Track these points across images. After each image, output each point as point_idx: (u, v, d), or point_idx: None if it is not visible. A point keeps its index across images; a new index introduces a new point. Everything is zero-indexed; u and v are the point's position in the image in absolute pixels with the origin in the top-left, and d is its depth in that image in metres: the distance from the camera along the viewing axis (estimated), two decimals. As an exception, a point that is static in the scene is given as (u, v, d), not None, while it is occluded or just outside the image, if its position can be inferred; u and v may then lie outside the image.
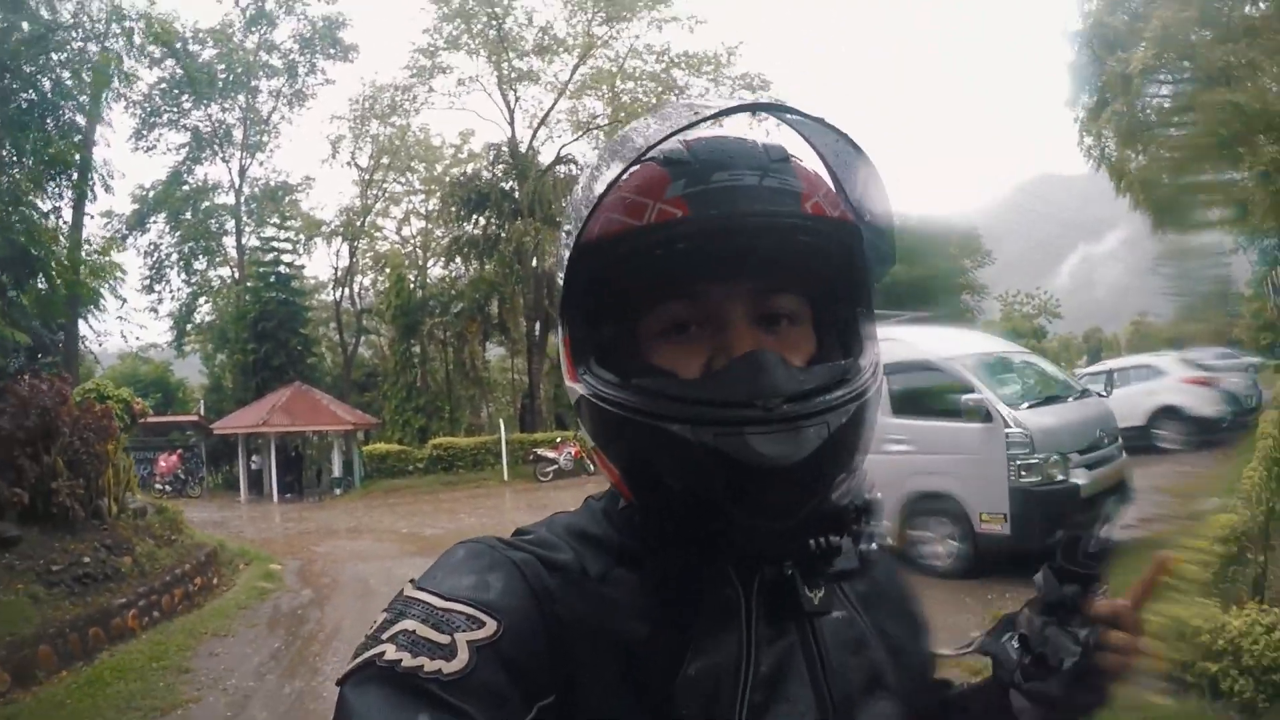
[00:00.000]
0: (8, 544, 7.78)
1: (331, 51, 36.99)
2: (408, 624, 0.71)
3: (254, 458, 27.23)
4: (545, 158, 34.24)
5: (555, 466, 23.57)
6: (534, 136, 33.69)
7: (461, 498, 21.64)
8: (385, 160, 37.78)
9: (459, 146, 37.92)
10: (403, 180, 38.99)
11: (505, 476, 25.45)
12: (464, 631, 0.70)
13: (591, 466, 22.05)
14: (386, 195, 39.52)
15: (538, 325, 31.50)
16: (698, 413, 0.73)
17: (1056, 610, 0.87)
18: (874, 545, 0.85)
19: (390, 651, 0.68)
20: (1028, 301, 51.76)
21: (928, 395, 8.45)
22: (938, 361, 8.60)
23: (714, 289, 0.79)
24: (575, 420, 0.87)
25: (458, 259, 33.73)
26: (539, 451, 24.45)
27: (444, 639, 0.69)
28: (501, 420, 29.02)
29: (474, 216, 32.51)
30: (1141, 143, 20.86)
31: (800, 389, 0.75)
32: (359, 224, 38.36)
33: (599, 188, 0.77)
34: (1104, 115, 21.97)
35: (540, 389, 32.26)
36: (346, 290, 39.86)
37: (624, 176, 0.76)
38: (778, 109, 0.80)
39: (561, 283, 0.84)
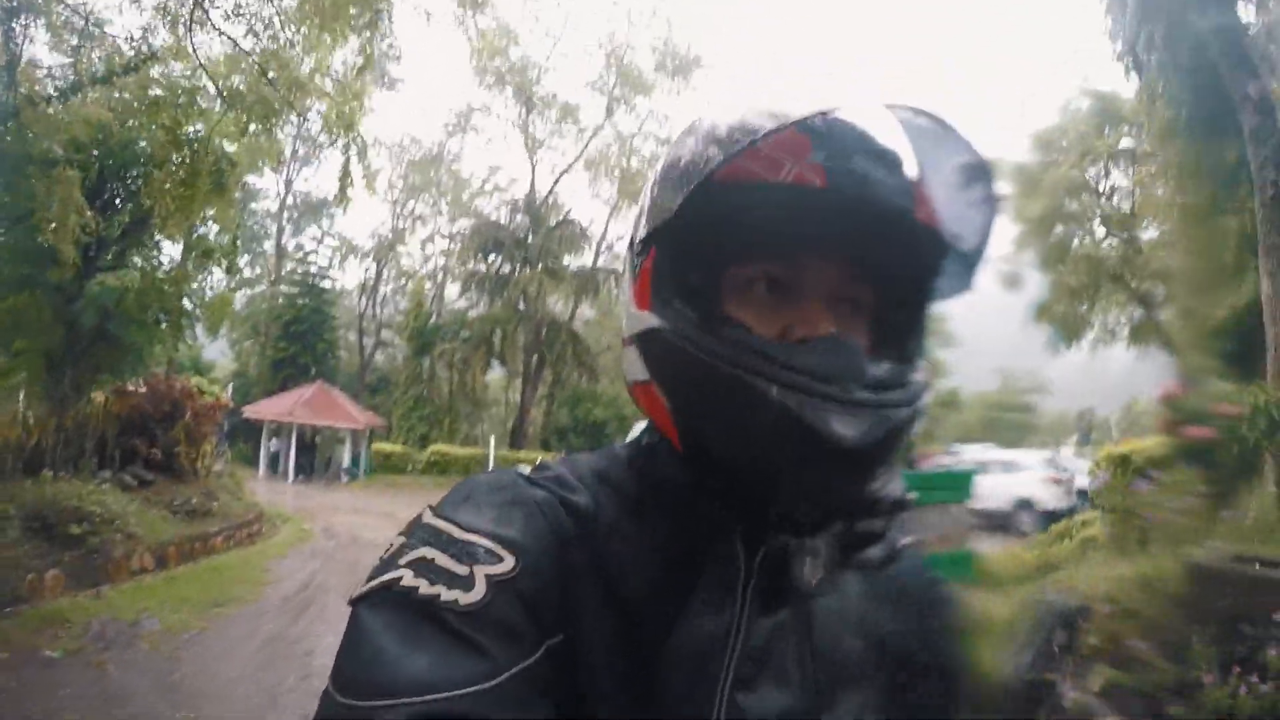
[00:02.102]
0: (146, 484, 11.98)
1: (382, 80, 40.47)
2: (426, 552, 0.71)
3: (273, 440, 31.00)
4: (562, 206, 38.73)
5: (532, 482, 27.69)
6: (550, 193, 38.16)
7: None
8: (415, 181, 41.60)
9: (485, 179, 41.71)
10: (430, 202, 42.81)
11: (489, 484, 29.63)
12: (482, 564, 0.71)
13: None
14: (414, 215, 43.33)
15: (534, 359, 35.55)
16: (786, 377, 0.72)
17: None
18: (906, 539, 0.85)
19: (408, 577, 0.69)
20: (1020, 379, 52.73)
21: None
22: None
23: (810, 261, 0.80)
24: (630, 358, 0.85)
25: (472, 290, 37.85)
26: (519, 468, 28.64)
27: (462, 570, 0.70)
28: (493, 437, 33.11)
29: (489, 257, 36.71)
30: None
31: (875, 380, 0.75)
32: (387, 250, 42.58)
33: (727, 140, 0.76)
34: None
35: (530, 413, 36.39)
36: (370, 301, 44.24)
37: (762, 137, 0.72)
38: (929, 117, 0.75)
39: (651, 208, 0.83)
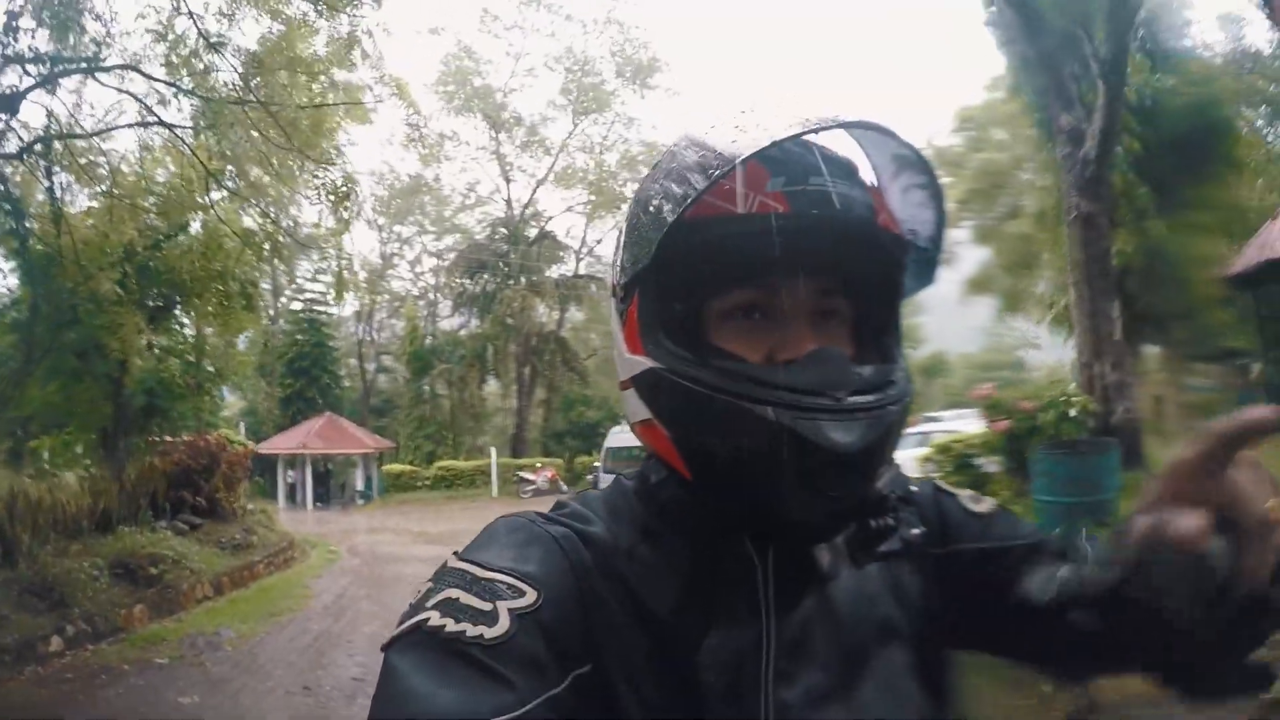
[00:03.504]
0: (195, 527, 14.19)
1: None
2: (451, 592, 0.74)
3: (290, 472, 32.83)
4: (542, 215, 41.05)
5: (534, 486, 29.53)
6: (525, 208, 40.36)
7: (459, 509, 27.26)
8: (398, 207, 42.70)
9: (465, 195, 42.99)
10: (415, 224, 44.02)
11: (494, 493, 31.68)
12: (505, 600, 0.73)
13: (565, 486, 28.46)
14: (400, 239, 44.65)
15: (527, 369, 37.71)
16: (779, 396, 0.75)
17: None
18: (915, 531, 0.86)
19: (434, 618, 0.71)
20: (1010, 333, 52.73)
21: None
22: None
23: (785, 283, 0.82)
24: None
25: (463, 309, 39.98)
26: (521, 474, 30.86)
27: (486, 606, 0.72)
28: (494, 447, 35.22)
29: (476, 277, 38.84)
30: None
31: (863, 384, 0.79)
32: (378, 279, 44.39)
33: (690, 179, 0.79)
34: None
35: (528, 421, 38.55)
36: (366, 327, 46.08)
37: (724, 173, 0.77)
38: (875, 127, 0.82)
39: (621, 259, 0.89)
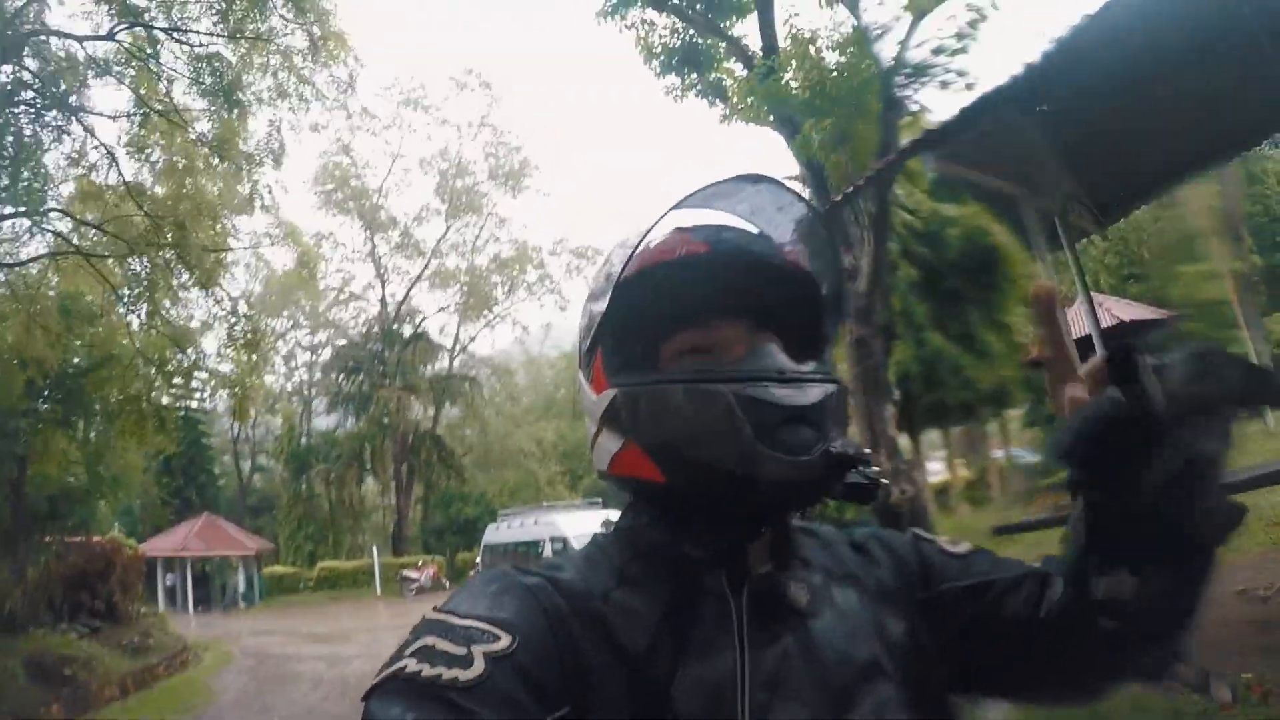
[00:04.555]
0: (95, 630, 14.63)
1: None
2: (428, 640, 0.76)
3: (169, 575, 32.22)
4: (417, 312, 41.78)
5: (418, 584, 29.82)
6: (400, 308, 41.16)
7: (344, 609, 27.62)
8: (273, 300, 41.41)
9: (340, 290, 42.56)
10: (289, 318, 43.24)
11: (378, 592, 31.97)
12: (480, 644, 0.75)
13: (447, 583, 28.94)
14: (274, 332, 43.05)
15: (404, 467, 38.14)
16: (729, 373, 0.87)
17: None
18: (878, 474, 0.87)
19: (411, 664, 0.73)
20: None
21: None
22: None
23: (721, 322, 0.94)
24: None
25: (339, 408, 40.20)
26: (404, 573, 31.24)
27: (461, 650, 0.74)
28: (375, 545, 35.46)
29: (351, 377, 39.40)
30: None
31: (794, 366, 0.91)
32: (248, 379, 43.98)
33: (628, 249, 0.93)
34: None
35: (408, 518, 38.83)
36: (240, 424, 45.53)
37: (656, 223, 0.92)
38: (774, 183, 0.97)
39: (590, 325, 0.98)
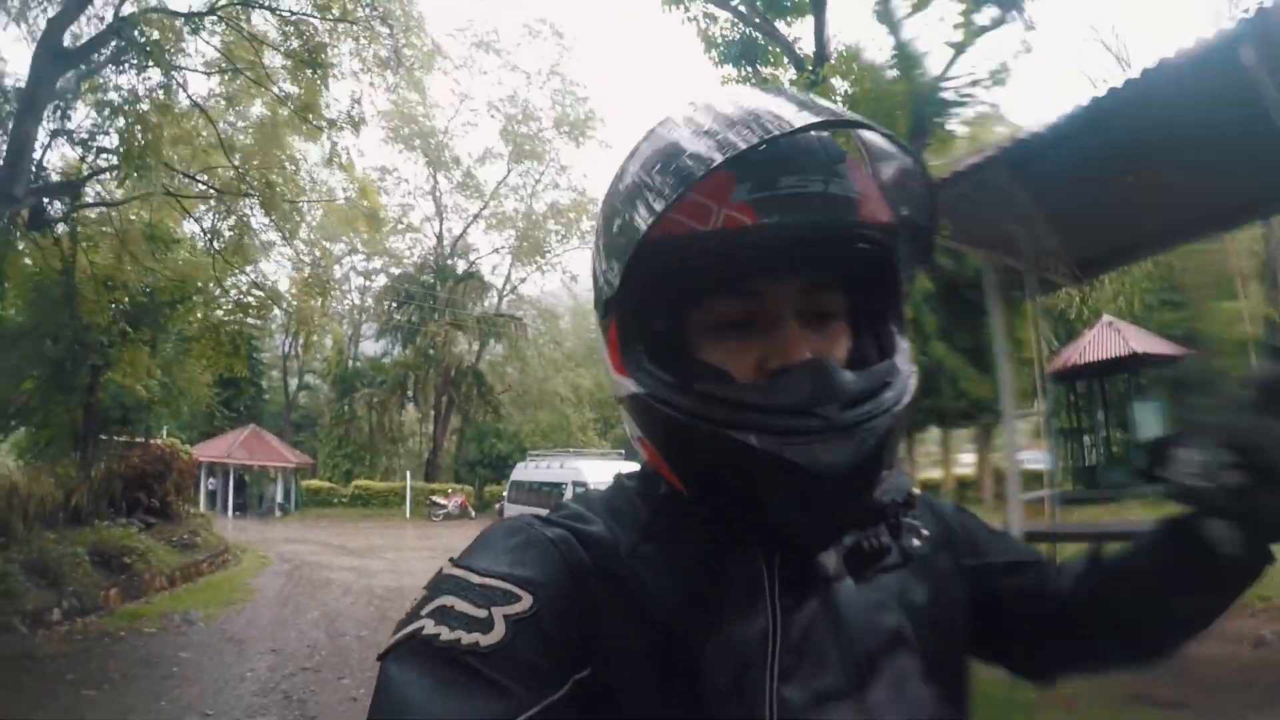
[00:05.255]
0: (150, 526, 16.03)
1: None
2: (446, 600, 0.72)
3: (210, 480, 33.70)
4: (472, 247, 42.89)
5: (445, 510, 31.44)
6: (453, 248, 42.27)
7: (374, 527, 29.20)
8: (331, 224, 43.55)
9: (398, 220, 43.07)
10: (346, 243, 43.34)
11: (407, 515, 33.60)
12: (500, 606, 0.71)
13: (473, 512, 30.40)
14: (330, 256, 45.45)
15: (444, 399, 39.48)
16: (762, 421, 0.74)
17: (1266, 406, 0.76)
18: (916, 541, 0.85)
19: (429, 626, 0.70)
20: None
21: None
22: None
23: (768, 288, 0.80)
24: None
25: (387, 336, 41.62)
26: (433, 498, 32.78)
27: (481, 613, 0.70)
28: (409, 470, 37.03)
29: (402, 307, 40.51)
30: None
31: (854, 395, 0.76)
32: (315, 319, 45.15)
33: (653, 196, 0.76)
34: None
35: (443, 448, 40.35)
36: (293, 342, 46.89)
37: (682, 195, 0.74)
38: (849, 124, 0.80)
39: (600, 276, 0.85)
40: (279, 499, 35.05)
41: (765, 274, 0.80)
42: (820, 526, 0.79)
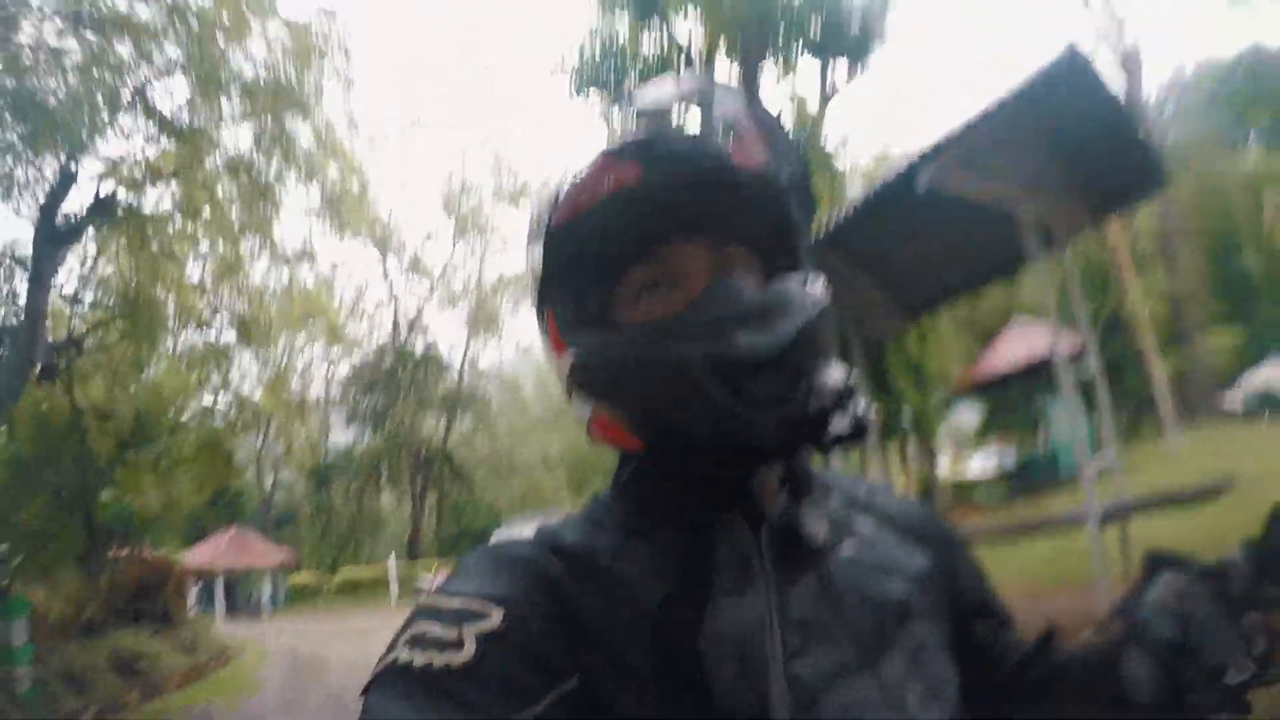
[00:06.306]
0: (156, 632, 17.22)
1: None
2: (420, 626, 0.73)
3: (197, 582, 34.20)
4: (426, 326, 43.50)
5: (430, 590, 32.53)
6: (411, 328, 43.27)
7: (364, 612, 29.74)
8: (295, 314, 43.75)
9: (353, 305, 43.92)
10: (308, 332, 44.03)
11: (393, 602, 34.27)
12: (470, 624, 0.72)
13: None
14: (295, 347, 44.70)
15: (419, 479, 40.49)
16: (684, 332, 0.77)
17: (1235, 603, 0.75)
18: (865, 413, 0.80)
19: (404, 654, 0.71)
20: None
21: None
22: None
23: (673, 249, 0.83)
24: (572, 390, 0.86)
25: (354, 423, 42.45)
26: (418, 584, 33.68)
27: (451, 634, 0.71)
28: (393, 552, 37.51)
29: (368, 394, 41.53)
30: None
31: (765, 297, 0.80)
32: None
33: (552, 194, 0.85)
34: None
35: (422, 527, 41.12)
36: (263, 438, 47.50)
37: (580, 172, 0.83)
38: (701, 79, 0.85)
39: (533, 283, 0.90)
40: (267, 597, 35.78)
41: (663, 235, 0.84)
42: (773, 422, 0.76)
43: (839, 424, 0.78)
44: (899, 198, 6.44)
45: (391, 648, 0.74)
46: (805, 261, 0.90)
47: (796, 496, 0.86)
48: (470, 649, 0.70)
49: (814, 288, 0.84)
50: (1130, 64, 24.80)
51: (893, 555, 0.91)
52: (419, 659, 0.71)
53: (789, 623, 0.79)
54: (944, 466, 25.18)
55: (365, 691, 0.72)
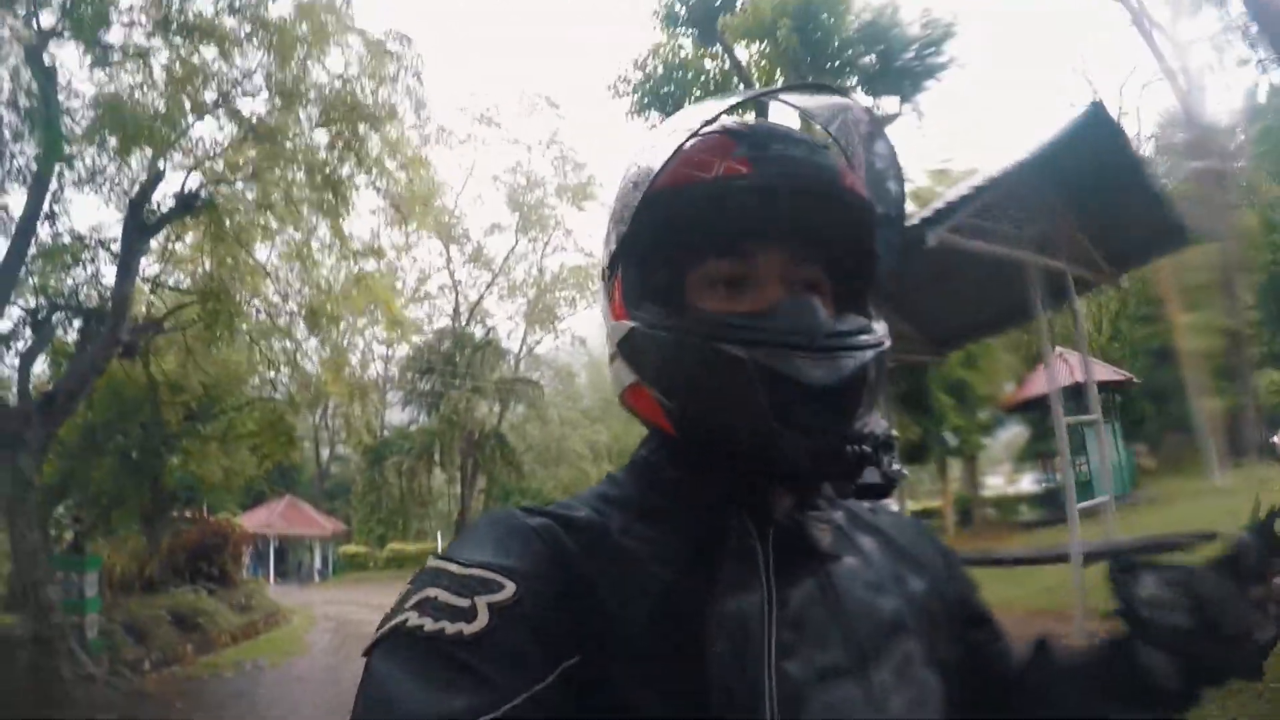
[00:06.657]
0: (211, 592, 18.30)
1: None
2: (430, 591, 0.73)
3: (252, 548, 36.00)
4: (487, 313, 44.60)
5: (474, 569, 33.41)
6: (471, 314, 44.48)
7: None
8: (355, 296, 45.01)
9: (416, 289, 45.04)
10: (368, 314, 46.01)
11: (439, 574, 35.58)
12: (483, 594, 0.71)
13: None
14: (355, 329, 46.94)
15: (469, 462, 41.26)
16: (753, 336, 0.77)
17: (1246, 577, 0.83)
18: (897, 469, 0.82)
19: (413, 618, 0.71)
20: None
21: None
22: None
23: (758, 251, 0.84)
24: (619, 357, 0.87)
25: (412, 405, 43.51)
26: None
27: (464, 602, 0.71)
28: (439, 531, 38.99)
29: (425, 377, 42.30)
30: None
31: (836, 328, 0.81)
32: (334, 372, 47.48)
33: (662, 151, 0.84)
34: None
35: (470, 507, 42.09)
36: (323, 414, 48.88)
37: (688, 138, 0.83)
38: (829, 89, 0.91)
39: (614, 236, 0.90)
40: (318, 565, 37.02)
41: (757, 234, 0.84)
42: (807, 451, 0.77)
43: (869, 474, 0.81)
44: (913, 249, 6.60)
45: (398, 609, 0.74)
46: (874, 301, 0.94)
47: (804, 506, 0.88)
48: (484, 619, 0.70)
49: (880, 331, 0.87)
50: (1193, 90, 24.62)
51: (890, 573, 0.93)
52: (430, 625, 0.71)
53: (785, 621, 0.80)
54: (987, 485, 25.61)
55: (368, 652, 0.73)
